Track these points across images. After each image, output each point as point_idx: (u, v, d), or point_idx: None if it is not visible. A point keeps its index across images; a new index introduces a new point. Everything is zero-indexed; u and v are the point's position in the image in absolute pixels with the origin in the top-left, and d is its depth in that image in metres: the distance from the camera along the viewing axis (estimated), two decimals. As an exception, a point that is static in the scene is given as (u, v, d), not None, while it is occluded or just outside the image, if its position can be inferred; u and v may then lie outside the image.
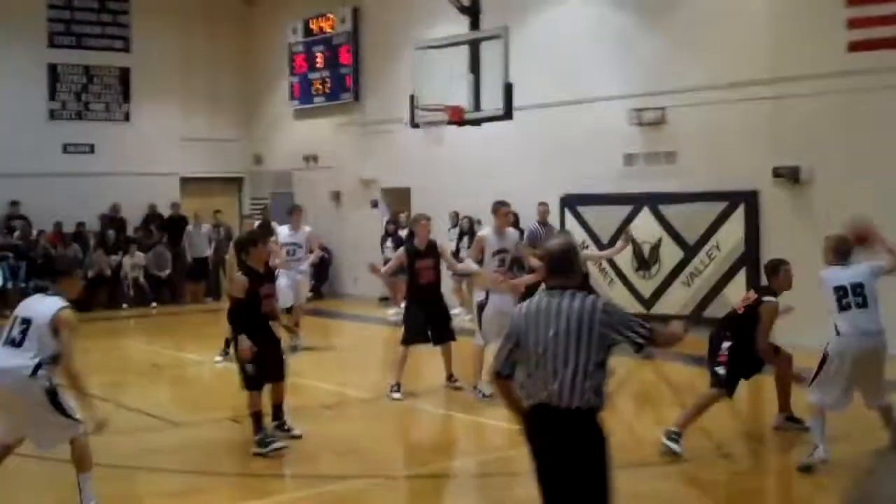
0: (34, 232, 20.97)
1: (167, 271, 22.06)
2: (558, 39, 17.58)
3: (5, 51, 22.02)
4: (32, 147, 21.84)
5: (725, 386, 8.95)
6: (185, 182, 24.11)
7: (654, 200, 16.12)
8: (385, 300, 19.65)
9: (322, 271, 21.95)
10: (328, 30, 22.53)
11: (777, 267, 9.13)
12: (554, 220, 17.09)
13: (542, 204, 16.54)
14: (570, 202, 17.39)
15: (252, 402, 9.12)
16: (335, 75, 22.37)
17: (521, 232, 15.65)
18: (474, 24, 16.57)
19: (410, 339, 11.55)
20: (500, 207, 11.43)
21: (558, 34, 17.61)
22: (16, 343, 7.11)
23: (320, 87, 22.74)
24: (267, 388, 9.30)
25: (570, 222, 17.34)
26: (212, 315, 20.01)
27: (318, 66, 22.79)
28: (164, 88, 23.70)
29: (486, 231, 11.70)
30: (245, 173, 25.18)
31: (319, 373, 13.18)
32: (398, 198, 20.80)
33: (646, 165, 16.39)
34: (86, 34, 23.10)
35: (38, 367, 7.02)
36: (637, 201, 16.33)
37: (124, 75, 23.46)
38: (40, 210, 21.45)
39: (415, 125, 17.66)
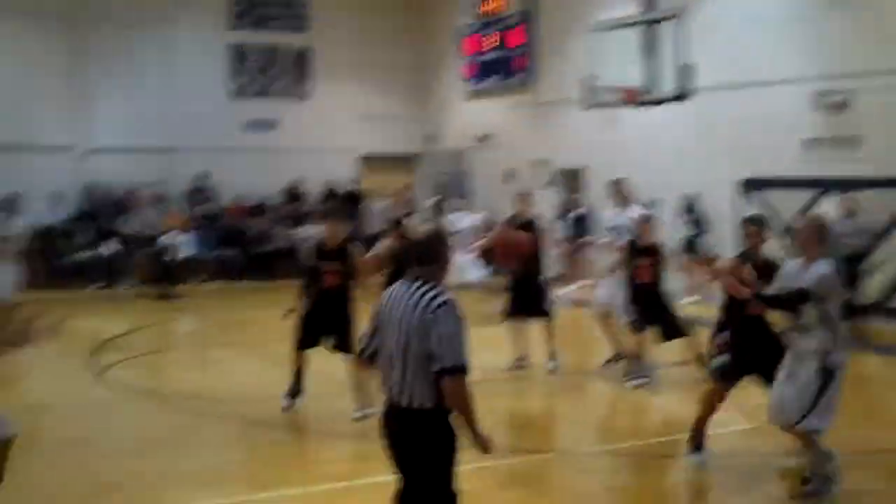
0: (219, 204, 21.85)
1: (344, 246, 22.65)
2: (736, 19, 17.14)
3: (191, 32, 22.94)
4: (217, 124, 22.73)
5: None
6: (363, 159, 24.66)
7: (838, 185, 15.60)
8: (557, 279, 19.63)
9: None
10: (502, 10, 22.61)
11: None
12: (731, 204, 16.74)
13: (845, 198, 15.05)
14: (751, 186, 16.99)
15: None
16: (508, 56, 22.45)
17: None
18: (650, 4, 16.41)
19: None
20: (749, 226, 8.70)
21: (736, 14, 17.18)
22: None
23: (494, 67, 22.86)
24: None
25: (749, 208, 16.97)
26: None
27: (491, 47, 22.91)
28: (343, 67, 24.24)
29: None
30: (420, 151, 25.56)
31: (494, 349, 13.34)
32: (572, 179, 20.78)
33: (828, 150, 15.88)
34: (267, 15, 23.85)
35: None
36: (822, 186, 15.83)
37: (304, 54, 24.13)
38: (224, 184, 22.36)
39: (589, 106, 17.66)
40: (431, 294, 4.76)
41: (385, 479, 7.53)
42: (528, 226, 11.68)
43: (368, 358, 5.06)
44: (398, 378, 4.80)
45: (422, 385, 4.74)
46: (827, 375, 6.82)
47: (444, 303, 4.75)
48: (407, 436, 4.87)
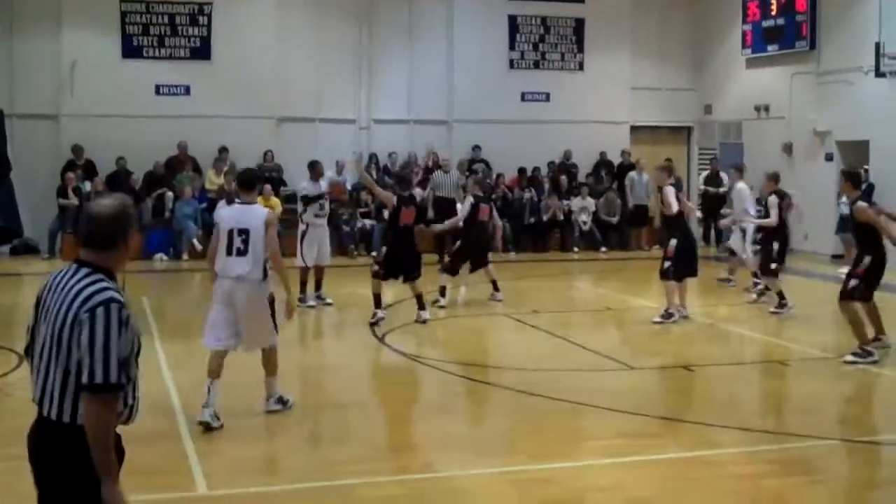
0: (493, 175, 22.31)
1: (616, 217, 22.66)
2: None
3: (471, 4, 23.42)
4: (493, 95, 23.16)
5: None
6: (635, 130, 24.47)
7: None
8: (838, 257, 18.89)
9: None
10: (786, -26, 21.75)
11: None
12: None
13: None
14: None
15: None
16: (790, 22, 21.58)
17: None
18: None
19: None
20: None
21: None
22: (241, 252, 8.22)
23: (775, 34, 22.07)
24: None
25: None
26: (654, 262, 20.36)
27: (772, 13, 22.09)
28: (616, 38, 24.11)
29: None
30: (694, 123, 25.07)
31: (773, 328, 13.06)
32: (855, 151, 19.81)
33: None
34: (543, -15, 24.01)
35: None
36: None
37: (579, 26, 24.13)
38: (499, 155, 22.78)
39: (880, 74, 16.79)
40: (93, 288, 3.91)
41: (661, 456, 7.67)
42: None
43: (26, 353, 4.18)
44: (41, 382, 3.98)
45: (69, 395, 3.91)
46: None
47: (106, 302, 3.89)
48: (47, 452, 3.97)
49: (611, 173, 23.56)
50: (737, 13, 23.17)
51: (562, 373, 10.69)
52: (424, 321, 13.01)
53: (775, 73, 22.29)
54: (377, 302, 13.07)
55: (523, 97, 23.69)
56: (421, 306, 13.06)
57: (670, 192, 13.12)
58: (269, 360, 8.62)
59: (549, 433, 8.29)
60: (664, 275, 13.26)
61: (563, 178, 22.95)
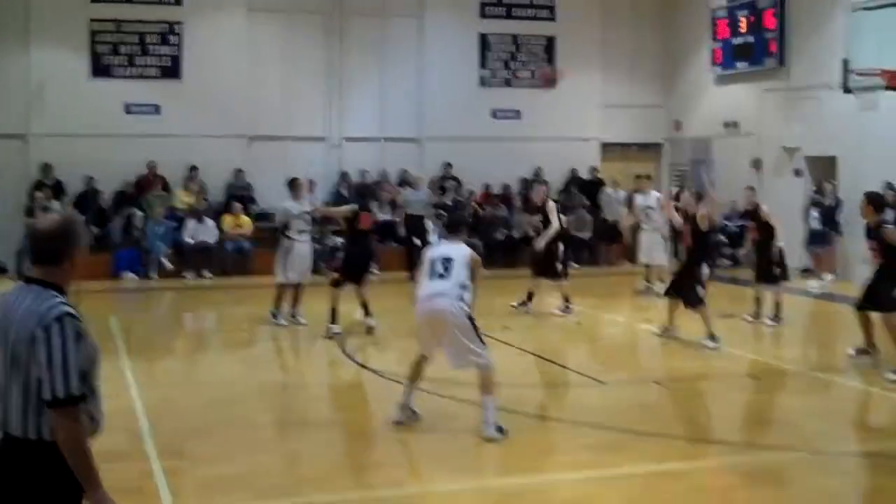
0: (465, 192, 22.31)
1: (587, 233, 22.70)
2: None
3: (442, 21, 23.45)
4: (465, 112, 23.19)
5: None
6: (605, 147, 24.58)
7: None
8: (808, 272, 19.00)
9: (738, 240, 21.70)
10: (755, -9, 21.95)
11: None
12: None
13: None
14: None
15: None
16: (759, 40, 21.76)
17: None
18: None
19: None
20: None
21: None
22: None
23: (744, 51, 22.24)
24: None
25: None
26: (626, 277, 20.45)
27: (741, 30, 22.27)
28: (587, 56, 24.21)
29: None
30: (664, 140, 25.21)
31: (743, 343, 13.11)
32: (822, 167, 19.97)
33: None
34: (514, 4, 24.07)
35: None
36: None
37: (550, 43, 24.24)
38: (469, 172, 22.79)
39: (847, 90, 16.94)
40: (46, 305, 3.95)
41: (630, 470, 7.66)
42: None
43: None
44: (3, 402, 4.01)
45: (32, 412, 3.95)
46: None
47: (60, 316, 3.93)
48: (15, 470, 3.98)
49: (581, 190, 23.61)
50: (706, 31, 23.34)
51: (532, 388, 10.70)
52: (370, 328, 13.25)
53: (745, 89, 22.45)
54: (333, 316, 13.10)
55: (494, 114, 23.73)
56: (367, 313, 13.30)
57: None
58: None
59: (518, 448, 8.26)
60: (700, 301, 12.61)
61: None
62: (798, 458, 8.20)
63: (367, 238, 13.93)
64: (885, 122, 17.75)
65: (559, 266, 15.28)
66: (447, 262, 8.62)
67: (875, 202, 11.41)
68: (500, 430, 8.43)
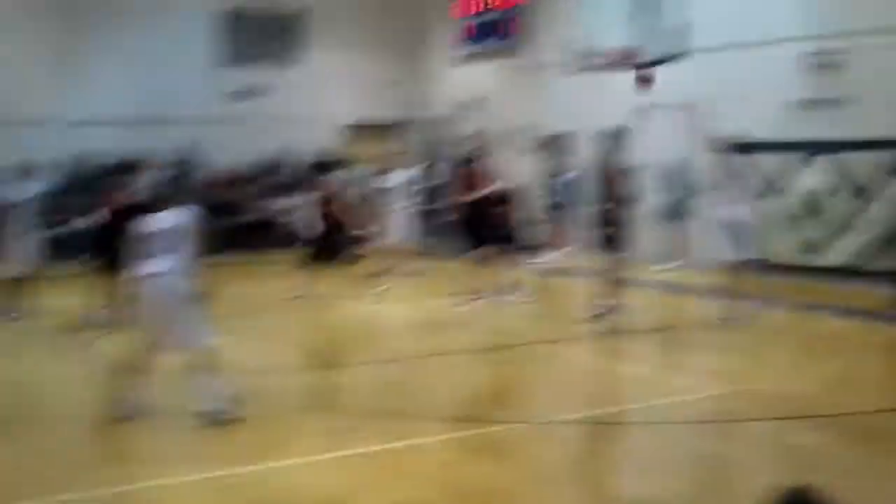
0: (209, 174, 21.65)
1: (333, 214, 22.49)
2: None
3: (183, -1, 22.72)
4: (199, 93, 22.44)
5: None
6: (353, 126, 24.46)
7: (830, 147, 15.46)
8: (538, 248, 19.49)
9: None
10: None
11: None
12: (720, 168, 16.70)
13: None
14: (742, 149, 16.83)
15: None
16: (500, 18, 22.20)
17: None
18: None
19: None
20: None
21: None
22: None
23: (485, 30, 22.61)
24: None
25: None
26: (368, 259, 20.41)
27: (479, 10, 22.67)
28: (334, 34, 24.02)
29: None
30: (408, 119, 25.35)
31: (467, 319, 13.30)
32: (559, 144, 20.59)
33: (821, 111, 15.68)
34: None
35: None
36: (812, 148, 15.70)
37: (290, 21, 23.84)
38: (212, 153, 22.14)
39: (578, 70, 17.47)
40: None
41: (354, 451, 7.56)
42: None
43: None
44: None
45: None
46: None
47: None
48: None
49: (328, 169, 23.34)
50: (446, 9, 23.61)
51: (267, 375, 10.46)
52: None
53: (486, 68, 22.87)
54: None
55: (239, 93, 23.16)
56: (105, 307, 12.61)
57: None
58: None
59: (252, 437, 8.04)
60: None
61: (275, 177, 22.51)
62: (520, 429, 8.34)
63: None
64: (615, 100, 18.43)
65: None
66: (167, 235, 8.25)
67: None
68: (223, 411, 8.26)
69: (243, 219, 21.37)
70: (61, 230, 17.62)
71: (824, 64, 15.45)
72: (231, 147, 22.32)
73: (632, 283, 13.48)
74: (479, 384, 10.33)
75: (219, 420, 8.21)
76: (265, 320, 13.52)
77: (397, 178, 17.50)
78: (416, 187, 17.75)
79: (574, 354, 11.33)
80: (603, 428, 8.56)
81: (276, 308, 14.48)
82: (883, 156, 14.75)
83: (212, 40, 23.08)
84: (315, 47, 23.77)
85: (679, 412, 8.74)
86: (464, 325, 12.70)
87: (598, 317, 12.29)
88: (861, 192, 15.09)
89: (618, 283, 12.75)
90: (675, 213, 17.61)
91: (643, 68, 16.29)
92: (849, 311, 13.19)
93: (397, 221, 17.35)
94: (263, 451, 7.78)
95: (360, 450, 7.68)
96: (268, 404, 9.00)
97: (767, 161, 16.30)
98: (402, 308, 14.48)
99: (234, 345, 11.74)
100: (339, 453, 7.62)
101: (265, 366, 10.73)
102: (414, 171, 18.12)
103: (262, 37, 23.61)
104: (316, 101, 23.57)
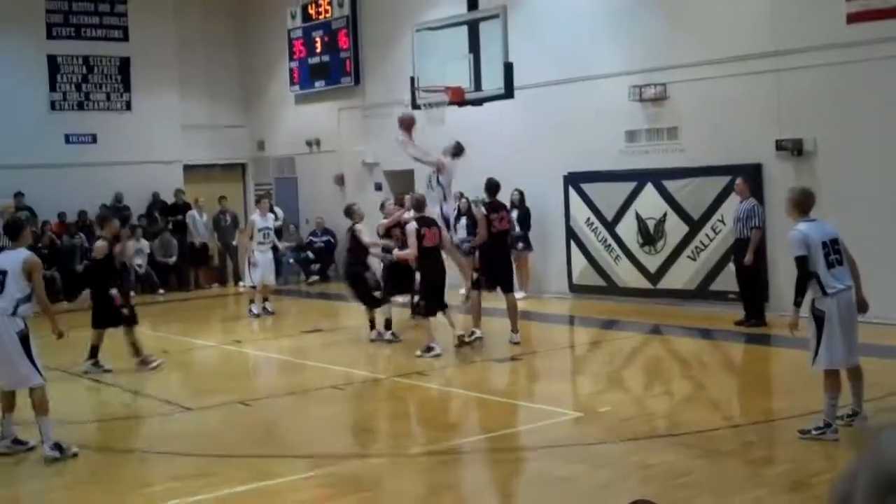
0: (39, 223, 20.94)
1: (174, 258, 22.08)
2: (557, 17, 17.53)
3: (5, 43, 21.95)
4: (34, 138, 21.76)
5: None
6: (188, 169, 24.08)
7: (657, 176, 16.11)
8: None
9: (328, 255, 22.13)
10: (326, 14, 22.46)
11: None
12: (558, 198, 17.21)
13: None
14: (574, 180, 17.39)
15: None
16: (335, 59, 22.31)
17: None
18: (472, 4, 16.52)
19: None
20: None
21: (557, 12, 17.56)
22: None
23: (321, 71, 22.69)
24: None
25: (574, 200, 17.36)
26: (218, 300, 20.16)
27: (317, 50, 22.73)
28: (164, 77, 23.63)
29: None
30: (248, 159, 25.16)
31: (326, 355, 13.24)
32: (401, 180, 20.77)
33: (648, 142, 16.38)
34: (84, 24, 23.02)
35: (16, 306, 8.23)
36: (641, 177, 16.33)
37: (124, 65, 23.40)
38: (44, 201, 21.41)
39: (416, 107, 17.64)
40: None
41: (214, 494, 7.41)
42: None
43: None
44: None
45: None
46: None
47: None
48: None
49: (164, 213, 22.95)
50: (283, 51, 23.58)
51: (119, 422, 10.20)
52: None
53: (324, 108, 22.91)
54: None
55: (67, 139, 22.54)
56: None
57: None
58: None
59: (102, 484, 7.81)
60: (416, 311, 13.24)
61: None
62: (379, 463, 8.35)
63: None
64: (452, 136, 18.71)
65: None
66: (1, 274, 8.30)
67: None
68: (59, 447, 8.25)
69: (77, 265, 20.73)
70: None
71: (648, 97, 16.13)
72: (66, 194, 21.60)
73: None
74: (334, 420, 10.29)
75: (53, 454, 8.21)
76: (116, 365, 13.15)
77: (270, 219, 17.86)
78: (269, 228, 17.66)
79: (426, 385, 11.42)
80: (459, 457, 8.66)
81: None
82: (707, 182, 15.44)
83: (39, 86, 22.37)
84: (147, 92, 23.33)
85: (533, 438, 8.94)
86: (319, 362, 12.62)
87: (429, 349, 12.45)
88: (689, 219, 15.76)
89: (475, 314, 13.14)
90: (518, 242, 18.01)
91: (473, 105, 16.58)
92: (691, 331, 13.73)
93: (255, 261, 17.24)
94: (116, 498, 7.58)
95: (213, 494, 7.53)
96: (119, 451, 8.77)
97: (602, 191, 16.87)
98: (258, 347, 14.28)
99: (74, 391, 11.46)
100: (192, 499, 7.45)
101: (116, 412, 10.46)
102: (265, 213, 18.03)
103: (91, 82, 23.03)
104: (151, 145, 23.10)
